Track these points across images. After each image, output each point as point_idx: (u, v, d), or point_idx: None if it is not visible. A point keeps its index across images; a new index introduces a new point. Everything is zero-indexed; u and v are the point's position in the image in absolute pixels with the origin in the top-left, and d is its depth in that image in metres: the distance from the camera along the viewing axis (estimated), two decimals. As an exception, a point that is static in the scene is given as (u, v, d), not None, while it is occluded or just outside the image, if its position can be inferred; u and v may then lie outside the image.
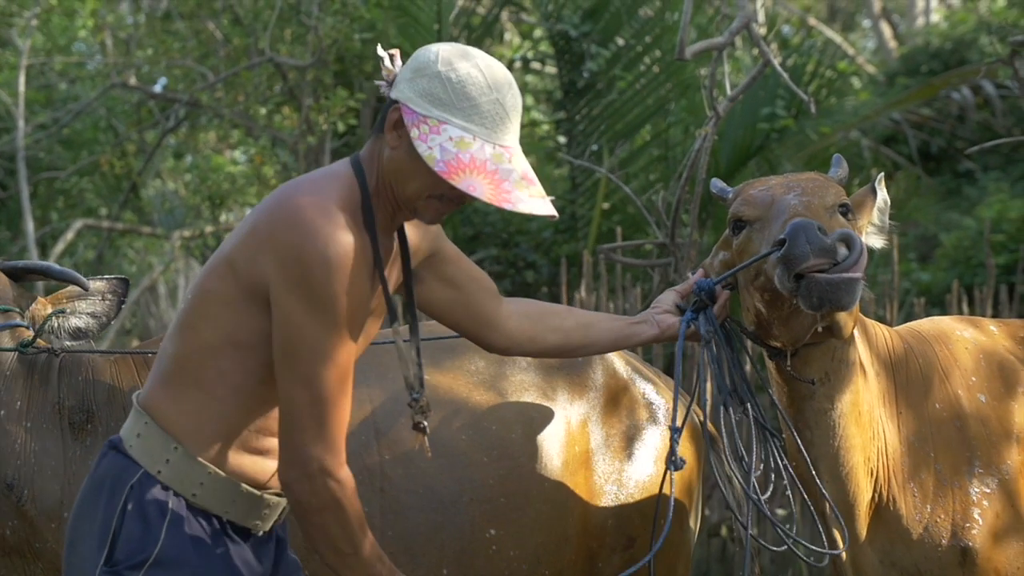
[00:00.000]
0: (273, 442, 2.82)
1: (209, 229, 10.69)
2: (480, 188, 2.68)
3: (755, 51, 10.12)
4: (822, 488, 3.26)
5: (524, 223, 10.14)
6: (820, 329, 3.11)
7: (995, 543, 3.32)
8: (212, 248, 11.24)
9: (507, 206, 2.70)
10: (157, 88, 11.11)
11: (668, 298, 3.38)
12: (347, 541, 2.76)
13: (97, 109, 10.98)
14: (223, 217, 10.96)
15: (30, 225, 10.08)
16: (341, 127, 9.25)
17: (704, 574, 6.88)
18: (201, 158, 10.59)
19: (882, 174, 3.37)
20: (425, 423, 2.94)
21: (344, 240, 2.67)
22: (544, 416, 3.63)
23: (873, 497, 3.33)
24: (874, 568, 3.36)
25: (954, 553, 3.31)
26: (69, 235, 10.40)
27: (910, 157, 11.46)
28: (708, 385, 3.28)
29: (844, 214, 3.16)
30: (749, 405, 3.25)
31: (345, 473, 2.73)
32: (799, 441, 3.29)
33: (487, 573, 3.53)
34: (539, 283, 9.48)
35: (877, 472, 3.32)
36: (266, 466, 2.84)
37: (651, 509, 3.59)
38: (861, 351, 3.30)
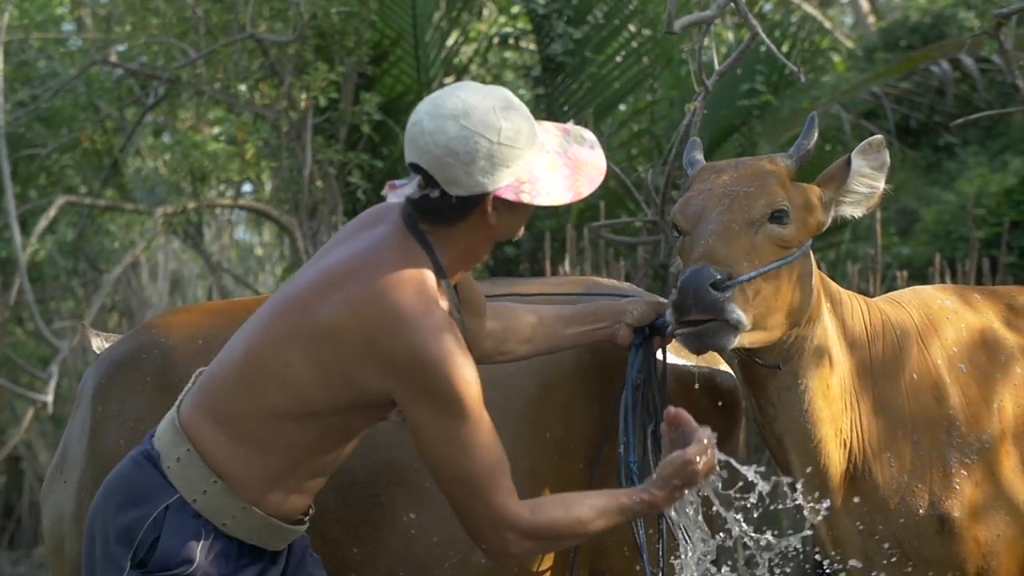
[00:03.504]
0: (313, 482, 2.87)
1: (191, 205, 10.64)
2: (594, 177, 2.82)
3: (739, 22, 10.14)
4: (790, 461, 3.31)
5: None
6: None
7: (974, 513, 3.33)
8: (194, 224, 11.20)
9: (603, 162, 2.84)
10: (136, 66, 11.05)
11: (641, 312, 3.29)
12: (568, 536, 2.87)
13: (77, 86, 10.90)
14: (205, 193, 10.91)
15: (11, 203, 10.03)
16: (323, 101, 9.22)
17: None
18: (182, 135, 10.53)
19: (869, 140, 3.31)
20: None
21: (449, 332, 2.70)
22: (516, 396, 3.37)
23: (848, 468, 3.34)
24: (853, 537, 3.37)
25: (932, 522, 3.32)
26: (52, 212, 10.34)
27: (890, 131, 11.48)
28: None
29: (780, 219, 3.17)
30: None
31: (526, 518, 2.77)
32: (762, 418, 3.33)
33: (405, 556, 3.34)
34: (519, 258, 9.44)
35: (851, 443, 3.33)
36: (301, 502, 2.89)
37: None
38: (829, 325, 3.31)
